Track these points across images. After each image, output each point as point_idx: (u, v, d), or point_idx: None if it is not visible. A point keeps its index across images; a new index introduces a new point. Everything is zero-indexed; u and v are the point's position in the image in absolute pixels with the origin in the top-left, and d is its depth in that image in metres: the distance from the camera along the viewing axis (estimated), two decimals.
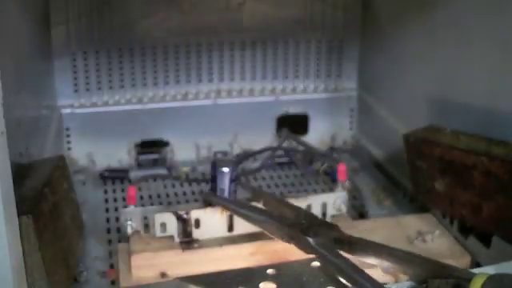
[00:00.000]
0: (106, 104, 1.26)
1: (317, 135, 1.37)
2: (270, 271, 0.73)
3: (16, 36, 0.89)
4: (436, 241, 0.95)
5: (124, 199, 1.14)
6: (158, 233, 0.88)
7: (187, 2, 1.24)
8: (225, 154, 1.31)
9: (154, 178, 1.24)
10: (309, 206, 0.93)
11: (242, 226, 0.88)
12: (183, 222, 0.88)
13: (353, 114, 1.38)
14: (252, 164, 1.29)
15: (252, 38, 1.30)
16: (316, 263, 0.72)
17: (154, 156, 1.28)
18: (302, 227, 0.76)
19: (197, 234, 0.89)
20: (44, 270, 0.71)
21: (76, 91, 1.25)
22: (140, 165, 1.27)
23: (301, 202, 0.92)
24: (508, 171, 0.81)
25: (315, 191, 1.20)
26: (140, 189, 1.19)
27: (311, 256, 0.73)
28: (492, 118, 0.89)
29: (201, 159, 1.31)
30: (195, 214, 0.88)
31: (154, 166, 1.26)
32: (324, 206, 0.94)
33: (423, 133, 0.98)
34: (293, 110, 1.35)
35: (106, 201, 1.16)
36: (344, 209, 0.96)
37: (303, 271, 0.70)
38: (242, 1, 1.26)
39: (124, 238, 0.94)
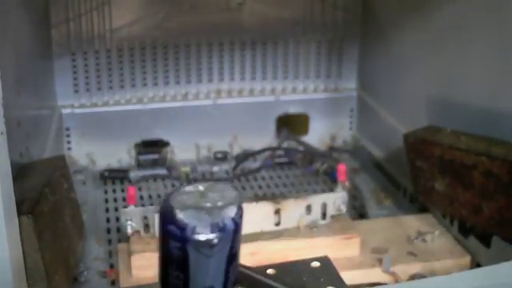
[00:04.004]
0: (106, 104, 1.26)
1: (317, 135, 1.37)
2: (269, 271, 0.73)
3: (16, 36, 0.89)
4: (436, 241, 0.95)
5: (124, 199, 1.14)
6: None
7: (187, 2, 1.24)
8: (225, 154, 1.31)
9: (154, 178, 1.24)
10: (309, 206, 0.93)
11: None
12: None
13: (353, 114, 1.38)
14: (252, 164, 1.29)
15: (252, 38, 1.30)
16: (316, 263, 0.72)
17: (154, 156, 1.27)
18: None
19: None
20: (44, 270, 0.71)
21: (76, 91, 1.25)
22: (140, 165, 1.27)
23: (301, 202, 0.92)
24: (508, 171, 0.81)
25: (315, 191, 1.20)
26: (140, 189, 1.19)
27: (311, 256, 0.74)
28: (492, 118, 0.89)
29: (201, 159, 1.31)
30: None
31: (153, 166, 1.26)
32: (324, 206, 0.94)
33: (423, 133, 0.99)
34: (293, 110, 1.35)
35: (106, 201, 1.16)
36: (344, 209, 0.96)
37: (303, 271, 0.70)
38: (241, 1, 1.26)
39: (124, 238, 0.94)
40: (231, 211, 0.40)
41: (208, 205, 0.39)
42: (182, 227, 0.39)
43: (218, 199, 0.40)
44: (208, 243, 0.39)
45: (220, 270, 0.42)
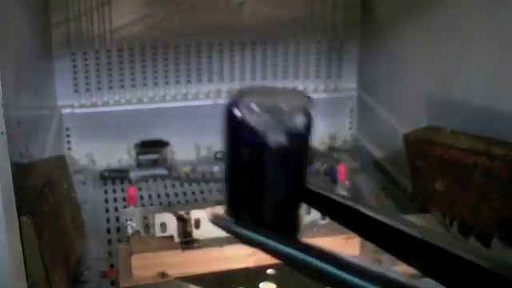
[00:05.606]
0: (106, 104, 1.26)
1: (317, 135, 1.36)
2: (269, 271, 0.74)
3: (16, 36, 0.89)
4: None
5: (124, 199, 1.14)
6: (158, 233, 0.88)
7: (187, 1, 1.24)
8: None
9: (154, 178, 1.24)
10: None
11: None
12: (183, 222, 0.88)
13: (352, 114, 1.38)
14: None
15: (252, 38, 1.30)
16: None
17: (154, 156, 1.28)
18: None
19: (197, 234, 0.89)
20: (44, 270, 0.71)
21: (76, 91, 1.25)
22: (140, 165, 1.27)
23: None
24: (508, 171, 0.81)
25: None
26: (140, 189, 1.19)
27: None
28: (492, 118, 0.89)
29: (201, 159, 1.31)
30: (195, 214, 0.88)
31: (153, 166, 1.26)
32: None
33: (423, 133, 0.98)
34: None
35: (106, 201, 1.17)
36: None
37: None
38: (242, 1, 1.26)
39: (124, 238, 0.94)
40: (303, 116, 0.38)
41: (280, 109, 0.37)
42: (254, 133, 0.36)
43: (288, 103, 0.37)
44: (281, 150, 0.36)
45: (292, 175, 0.39)
